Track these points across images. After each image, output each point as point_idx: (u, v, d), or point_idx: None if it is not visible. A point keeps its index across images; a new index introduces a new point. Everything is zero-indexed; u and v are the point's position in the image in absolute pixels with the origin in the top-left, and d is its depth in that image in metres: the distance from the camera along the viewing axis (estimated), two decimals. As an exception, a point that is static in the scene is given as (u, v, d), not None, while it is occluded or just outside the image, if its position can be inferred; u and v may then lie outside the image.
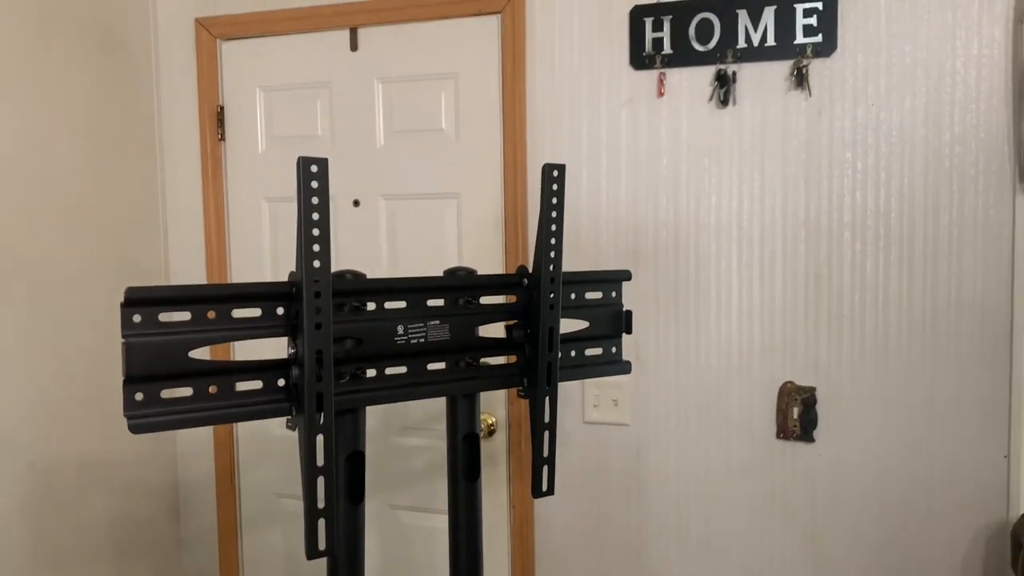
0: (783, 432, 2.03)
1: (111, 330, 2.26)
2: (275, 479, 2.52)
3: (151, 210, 2.50)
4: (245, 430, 2.54)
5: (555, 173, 1.17)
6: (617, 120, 2.11)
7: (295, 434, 2.41)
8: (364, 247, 2.34)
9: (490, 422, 2.24)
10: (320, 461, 1.03)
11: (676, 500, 2.13)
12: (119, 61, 2.37)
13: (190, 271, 2.52)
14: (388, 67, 2.29)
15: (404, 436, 2.36)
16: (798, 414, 2.02)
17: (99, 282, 2.25)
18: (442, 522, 2.35)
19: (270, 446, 2.51)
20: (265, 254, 2.47)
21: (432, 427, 2.33)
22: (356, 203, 2.34)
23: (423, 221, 2.30)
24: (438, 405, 2.32)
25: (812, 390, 2.00)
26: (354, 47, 2.32)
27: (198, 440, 2.57)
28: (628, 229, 2.12)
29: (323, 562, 2.47)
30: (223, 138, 2.48)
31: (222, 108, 2.47)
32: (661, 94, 2.07)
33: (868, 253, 1.95)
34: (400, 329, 1.14)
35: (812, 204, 1.98)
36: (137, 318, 0.95)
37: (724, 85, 2.01)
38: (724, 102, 2.02)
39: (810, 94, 1.96)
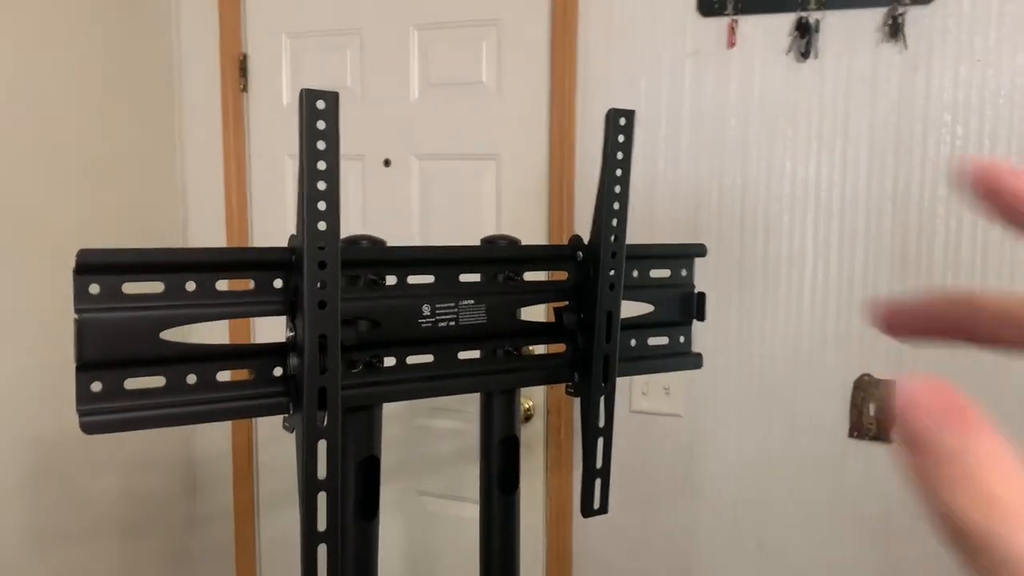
0: (857, 430, 1.80)
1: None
2: (294, 456, 2.34)
3: (168, 166, 2.31)
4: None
5: (622, 121, 0.95)
6: (680, 74, 1.87)
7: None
8: (394, 213, 2.13)
9: (527, 407, 2.04)
10: (322, 472, 0.83)
11: (732, 500, 1.91)
12: (135, 5, 2.17)
13: (210, 232, 2.33)
14: (425, 12, 2.06)
15: (433, 418, 2.17)
16: (875, 411, 1.79)
17: (112, 244, 2.07)
18: (472, 511, 2.15)
19: (290, 423, 2.34)
20: (289, 214, 2.27)
21: (464, 409, 2.13)
22: (387, 163, 2.13)
23: (459, 184, 2.08)
24: (471, 385, 2.12)
25: (893, 384, 1.77)
26: (388, -11, 2.09)
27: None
28: (688, 198, 1.88)
29: None
30: (245, 89, 2.28)
31: (245, 57, 2.26)
32: (732, 44, 1.82)
33: (964, 232, 1.70)
34: (426, 309, 0.93)
35: (902, 174, 1.73)
36: (95, 288, 0.75)
37: (805, 35, 1.76)
38: (804, 55, 1.77)
39: (905, 47, 1.70)
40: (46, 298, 1.91)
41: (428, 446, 2.18)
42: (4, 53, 1.79)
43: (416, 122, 2.10)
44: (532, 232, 1.99)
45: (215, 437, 2.41)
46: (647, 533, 1.99)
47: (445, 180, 2.09)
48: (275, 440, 2.36)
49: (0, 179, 1.80)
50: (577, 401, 1.99)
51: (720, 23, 1.82)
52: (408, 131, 2.11)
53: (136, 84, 2.18)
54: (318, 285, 0.80)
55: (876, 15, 1.72)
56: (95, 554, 2.11)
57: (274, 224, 2.29)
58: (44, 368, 1.91)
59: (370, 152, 2.14)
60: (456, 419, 2.15)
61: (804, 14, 1.76)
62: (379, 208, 2.15)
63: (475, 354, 0.98)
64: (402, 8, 2.08)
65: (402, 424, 2.18)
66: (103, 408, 0.76)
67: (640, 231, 1.88)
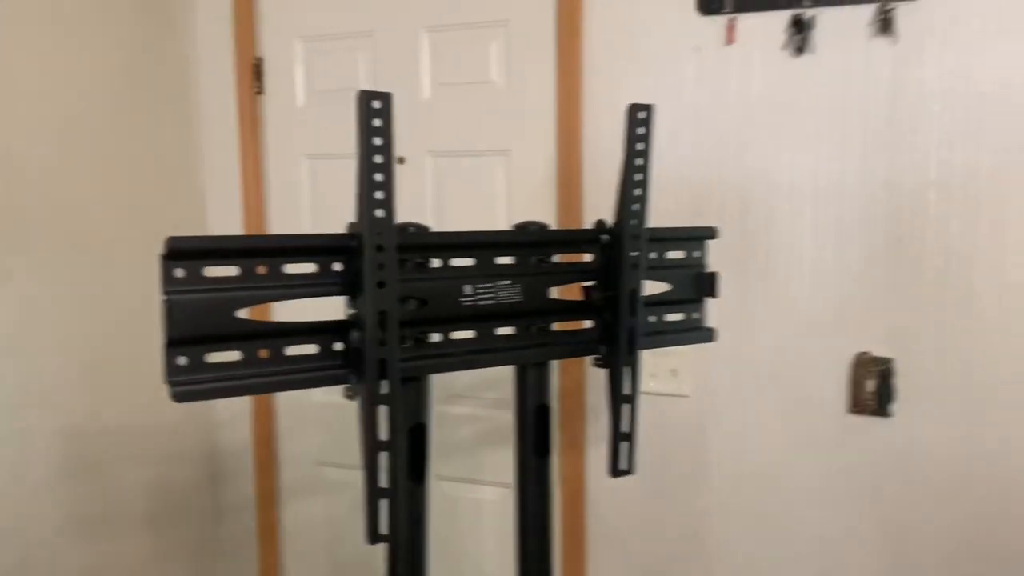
0: (857, 406, 1.90)
1: (148, 291, 2.17)
2: (316, 447, 2.43)
3: (188, 167, 2.40)
4: (285, 396, 2.45)
5: (641, 115, 1.04)
6: (682, 70, 1.96)
7: (336, 401, 2.33)
8: (410, 209, 2.19)
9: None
10: (383, 435, 0.92)
11: (740, 477, 2.01)
12: (153, 10, 2.25)
13: (229, 231, 2.42)
14: (435, 14, 2.15)
15: (450, 404, 2.25)
16: (874, 387, 1.88)
17: (136, 243, 2.16)
18: (490, 494, 2.25)
19: (311, 413, 2.42)
20: (305, 214, 2.36)
21: (479, 395, 2.23)
22: (401, 160, 2.22)
23: (471, 180, 2.17)
24: (483, 372, 2.21)
25: (889, 361, 1.86)
26: (399, -7, 2.18)
27: (237, 407, 2.48)
28: (691, 188, 1.97)
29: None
30: (261, 92, 2.36)
31: (260, 60, 2.35)
32: (731, 41, 1.91)
33: (954, 215, 1.79)
34: (468, 289, 1.02)
35: (894, 161, 1.82)
36: (180, 272, 0.84)
37: (800, 31, 1.85)
38: (800, 50, 1.86)
39: (896, 40, 1.80)
40: (75, 296, 2.00)
41: (445, 432, 2.26)
42: (26, 58, 1.87)
43: (429, 121, 2.19)
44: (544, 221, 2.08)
45: (238, 430, 2.49)
46: (658, 510, 2.09)
47: (458, 176, 2.18)
48: (296, 432, 2.45)
49: (22, 182, 1.87)
50: (592, 382, 2.10)
51: (719, 21, 1.91)
52: (421, 129, 2.19)
53: (154, 88, 2.26)
54: (378, 266, 0.89)
55: (868, 10, 1.81)
56: (125, 543, 2.19)
57: (290, 224, 2.37)
58: (72, 363, 2.00)
59: (384, 150, 2.22)
60: (472, 405, 2.24)
61: (799, 11, 1.85)
62: (397, 204, 2.22)
63: (511, 330, 1.07)
64: (413, 11, 2.17)
65: (420, 411, 2.27)
66: (190, 379, 0.85)
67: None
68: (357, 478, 2.35)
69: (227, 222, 2.42)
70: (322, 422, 2.41)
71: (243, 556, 2.54)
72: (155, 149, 2.26)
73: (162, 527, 2.32)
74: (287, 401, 2.45)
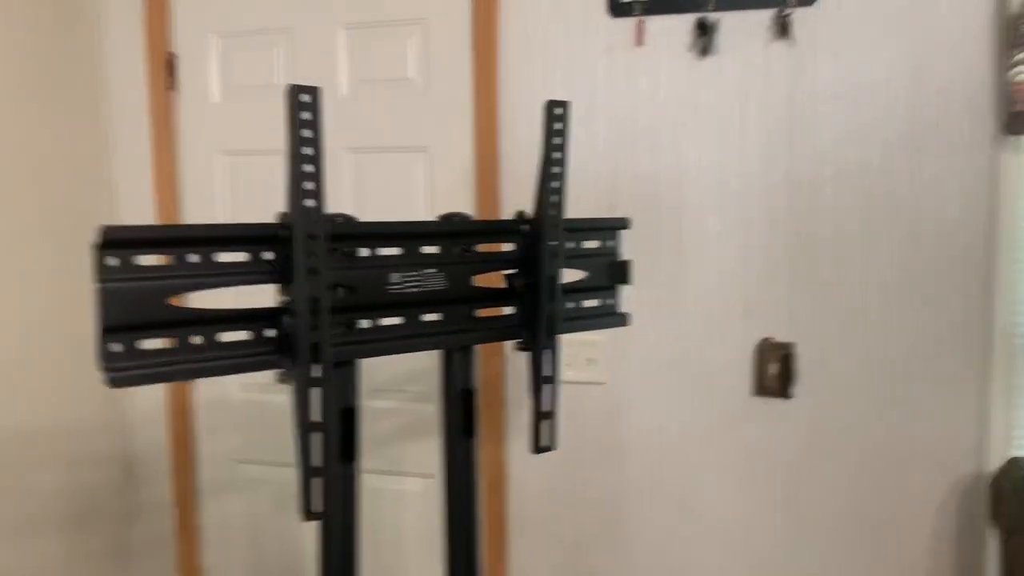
0: (761, 389, 2.01)
1: (59, 290, 2.13)
2: (235, 445, 2.42)
3: (99, 163, 2.35)
4: (203, 395, 2.43)
5: (558, 111, 1.10)
6: (594, 70, 2.04)
7: (254, 399, 2.33)
8: (330, 204, 2.24)
9: (462, 383, 2.18)
10: (315, 416, 0.95)
11: (653, 459, 2.10)
12: (60, 3, 2.20)
13: (141, 228, 2.38)
14: (352, 12, 2.18)
15: (371, 399, 2.28)
16: (776, 371, 1.99)
17: (44, 242, 2.11)
18: (413, 485, 2.28)
19: (229, 411, 2.41)
20: (220, 211, 2.34)
21: (401, 389, 2.26)
22: (319, 156, 2.23)
23: (390, 176, 2.20)
24: (404, 367, 2.25)
25: (790, 346, 1.98)
26: (316, -9, 2.19)
27: (152, 408, 2.45)
28: (605, 183, 2.06)
29: (289, 530, 2.40)
30: (174, 87, 2.34)
31: (173, 55, 2.32)
32: (640, 43, 2.00)
33: (848, 207, 1.93)
34: (395, 277, 1.06)
35: (793, 158, 1.95)
36: (113, 261, 0.86)
37: (705, 34, 1.95)
38: (705, 51, 1.96)
39: (793, 44, 1.92)
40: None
41: (368, 425, 2.28)
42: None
43: (347, 117, 2.21)
44: (462, 218, 2.13)
45: (154, 431, 2.46)
46: (578, 495, 2.16)
47: (377, 172, 2.21)
48: (214, 431, 2.43)
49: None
50: (512, 374, 2.15)
51: (629, 23, 2.00)
52: (339, 126, 2.21)
53: (62, 83, 2.21)
54: (309, 254, 0.92)
55: (766, 15, 1.93)
56: (38, 547, 2.14)
57: (205, 221, 2.35)
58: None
59: (302, 147, 2.23)
60: (394, 399, 2.27)
61: (703, 14, 1.95)
62: (313, 200, 2.24)
63: (437, 316, 1.12)
64: (330, 8, 2.19)
65: (342, 405, 2.28)
66: (126, 366, 0.87)
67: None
68: (277, 475, 2.38)
69: (140, 219, 2.38)
70: (240, 420, 2.40)
71: (161, 558, 2.51)
72: (65, 145, 2.22)
73: (77, 531, 2.28)
74: (204, 399, 2.43)
